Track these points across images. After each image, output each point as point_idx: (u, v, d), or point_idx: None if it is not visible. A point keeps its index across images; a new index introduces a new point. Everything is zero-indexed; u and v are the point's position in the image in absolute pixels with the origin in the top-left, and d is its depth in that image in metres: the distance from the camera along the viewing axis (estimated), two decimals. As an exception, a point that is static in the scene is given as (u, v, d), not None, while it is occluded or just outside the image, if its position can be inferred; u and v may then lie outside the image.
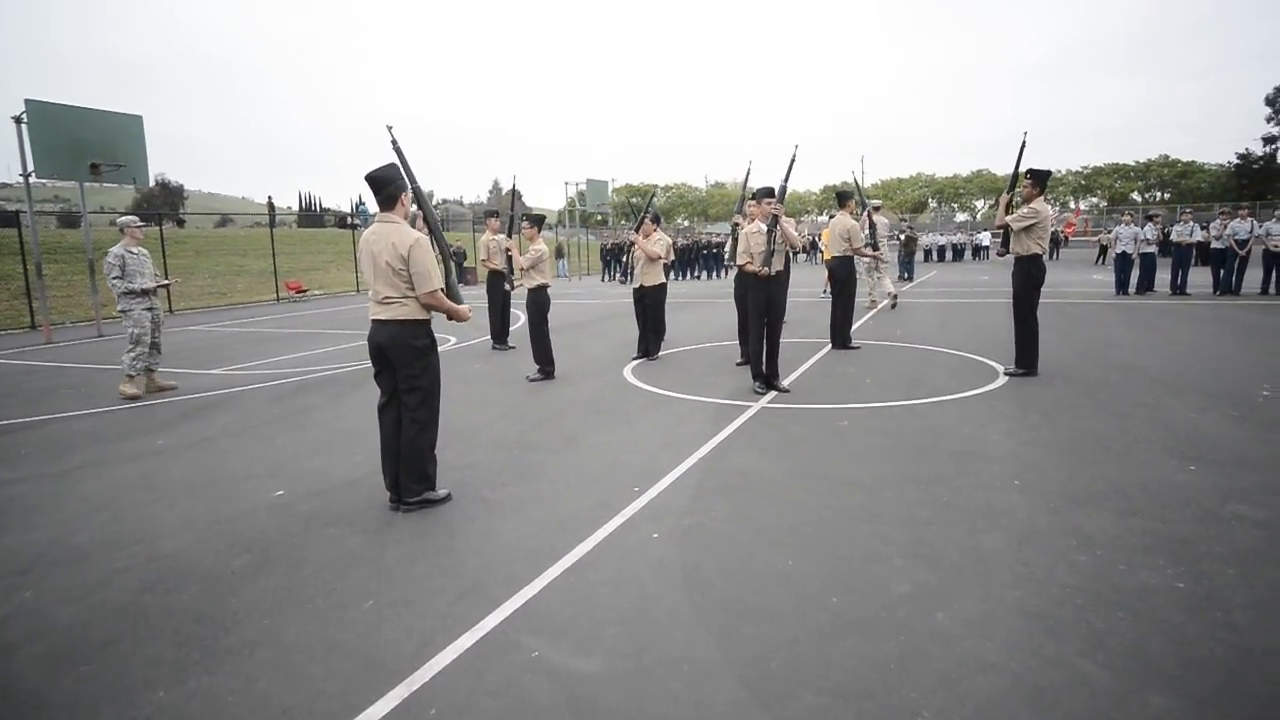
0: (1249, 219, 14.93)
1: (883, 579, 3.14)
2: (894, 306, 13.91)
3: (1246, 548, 3.33)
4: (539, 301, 7.95)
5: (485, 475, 4.72)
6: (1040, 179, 7.24)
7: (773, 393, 6.78)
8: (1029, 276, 7.20)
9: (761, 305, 6.79)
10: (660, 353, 9.27)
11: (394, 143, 4.19)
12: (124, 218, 8.08)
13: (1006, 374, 7.32)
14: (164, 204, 47.77)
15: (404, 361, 4.08)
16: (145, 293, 7.66)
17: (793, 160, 7.05)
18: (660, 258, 9.16)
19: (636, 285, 9.12)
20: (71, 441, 5.93)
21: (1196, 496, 3.95)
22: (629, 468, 4.76)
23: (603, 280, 28.34)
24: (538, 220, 8.25)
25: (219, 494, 4.55)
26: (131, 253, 7.59)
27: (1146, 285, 15.59)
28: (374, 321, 4.13)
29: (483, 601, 3.05)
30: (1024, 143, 7.28)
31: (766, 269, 6.69)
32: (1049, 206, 7.21)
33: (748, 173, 10.56)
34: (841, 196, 9.90)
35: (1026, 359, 7.30)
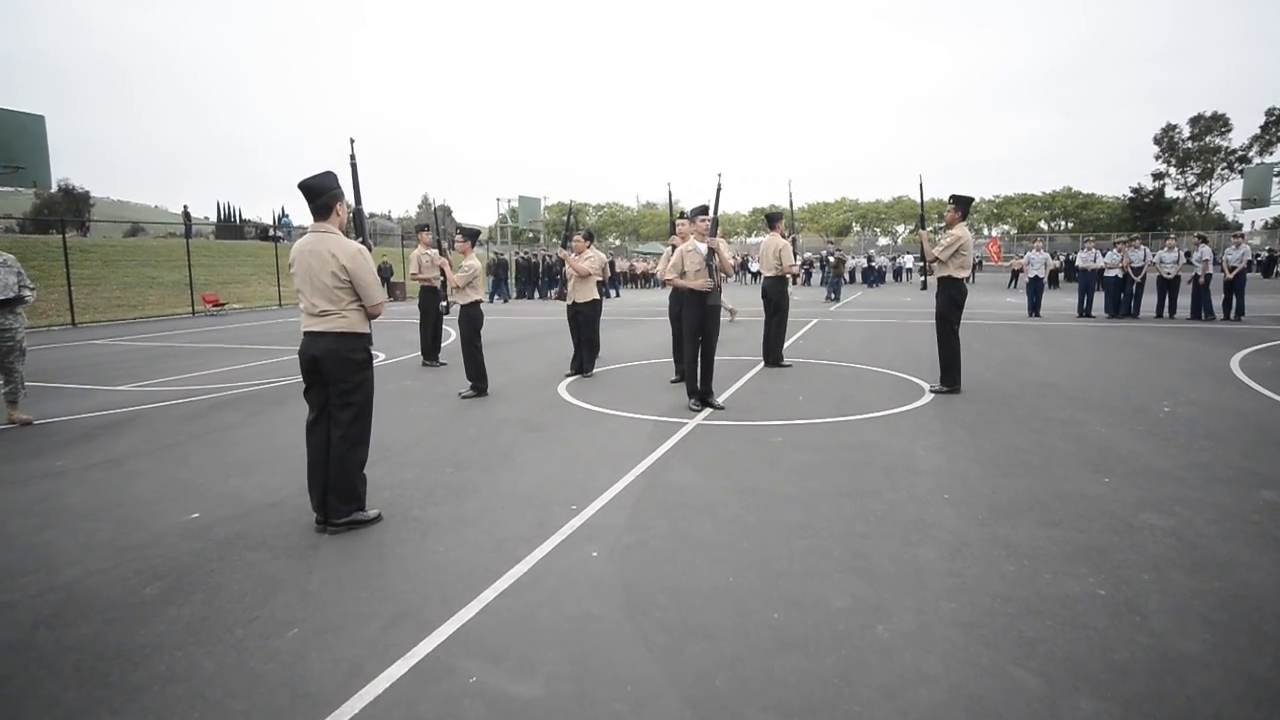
0: (1142, 247, 16.00)
1: (822, 593, 3.16)
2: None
3: (1158, 555, 3.50)
4: (471, 317, 7.80)
5: (417, 494, 4.56)
6: (963, 204, 7.57)
7: (708, 409, 6.81)
8: (950, 298, 7.49)
9: (696, 323, 6.83)
10: (594, 369, 9.22)
11: (352, 158, 3.91)
12: None
13: (932, 391, 7.57)
14: (67, 210, 45.00)
15: (340, 375, 3.91)
16: None
17: (718, 190, 7.11)
18: (591, 274, 9.12)
19: (570, 302, 9.06)
20: (-43, 463, 5.45)
21: (1111, 507, 4.14)
22: (566, 485, 4.68)
23: (490, 300, 25.28)
24: (472, 235, 8.12)
25: (126, 518, 4.24)
26: None
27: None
28: (307, 334, 3.94)
29: (416, 626, 2.92)
30: (921, 183, 8.21)
31: (711, 279, 6.73)
32: (969, 232, 7.56)
33: (670, 195, 10.77)
34: (771, 218, 10.09)
35: (950, 377, 7.57)
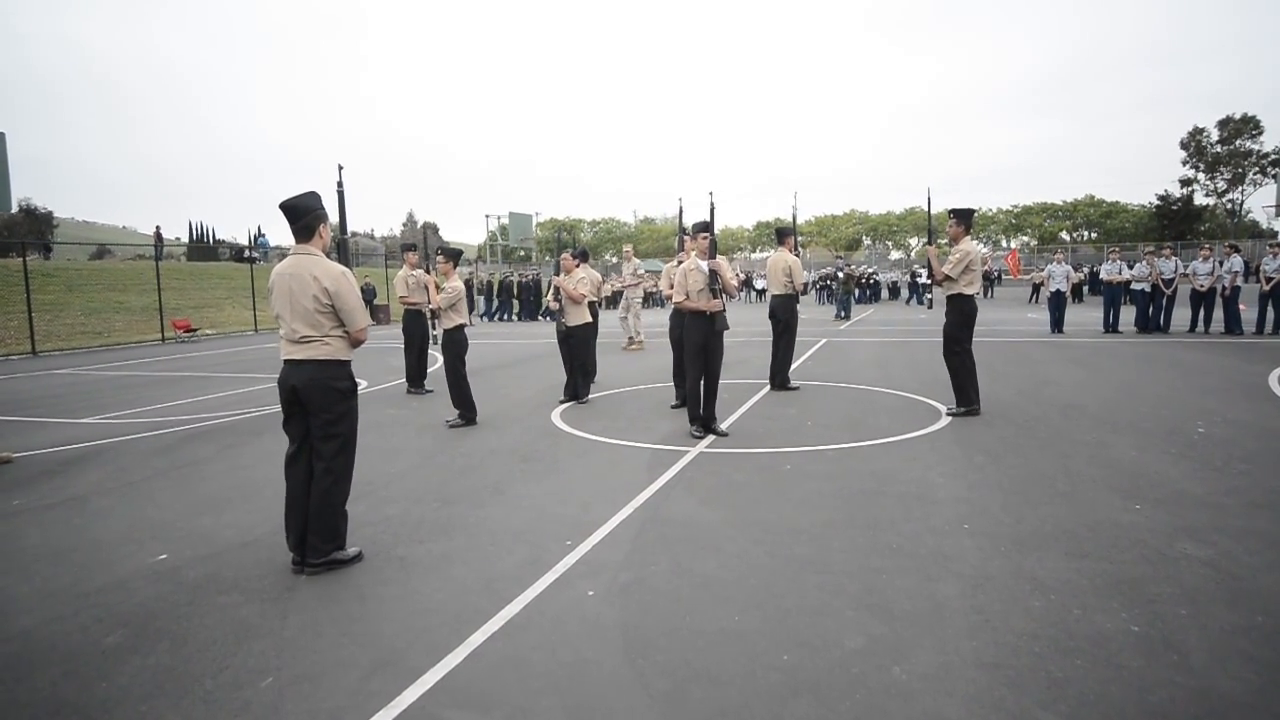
0: (1173, 258, 16.07)
1: (835, 633, 3.14)
2: (628, 348, 14.88)
3: (1195, 587, 3.48)
4: (455, 342, 7.83)
5: (401, 531, 4.54)
6: (964, 217, 7.63)
7: (711, 436, 6.80)
8: (962, 315, 7.53)
9: (698, 345, 6.84)
10: (590, 395, 9.22)
11: (339, 185, 4.01)
12: None
13: (949, 414, 7.57)
14: (29, 232, 45.30)
15: (323, 405, 3.92)
16: None
17: (711, 209, 7.18)
18: (586, 297, 9.13)
19: (562, 325, 9.07)
20: (-92, 503, 5.43)
21: (1144, 536, 4.12)
22: (560, 520, 4.67)
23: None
24: (453, 255, 8.18)
25: (88, 560, 4.22)
26: None
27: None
28: (288, 362, 3.95)
29: (400, 674, 2.90)
30: (929, 197, 8.38)
31: (718, 301, 6.76)
32: (977, 244, 7.61)
33: (680, 212, 10.79)
34: (781, 233, 10.16)
35: (966, 398, 7.57)
